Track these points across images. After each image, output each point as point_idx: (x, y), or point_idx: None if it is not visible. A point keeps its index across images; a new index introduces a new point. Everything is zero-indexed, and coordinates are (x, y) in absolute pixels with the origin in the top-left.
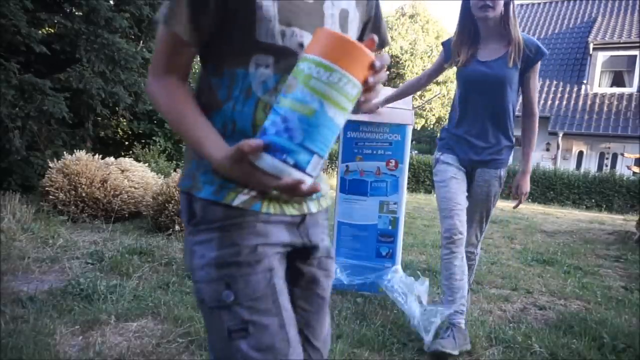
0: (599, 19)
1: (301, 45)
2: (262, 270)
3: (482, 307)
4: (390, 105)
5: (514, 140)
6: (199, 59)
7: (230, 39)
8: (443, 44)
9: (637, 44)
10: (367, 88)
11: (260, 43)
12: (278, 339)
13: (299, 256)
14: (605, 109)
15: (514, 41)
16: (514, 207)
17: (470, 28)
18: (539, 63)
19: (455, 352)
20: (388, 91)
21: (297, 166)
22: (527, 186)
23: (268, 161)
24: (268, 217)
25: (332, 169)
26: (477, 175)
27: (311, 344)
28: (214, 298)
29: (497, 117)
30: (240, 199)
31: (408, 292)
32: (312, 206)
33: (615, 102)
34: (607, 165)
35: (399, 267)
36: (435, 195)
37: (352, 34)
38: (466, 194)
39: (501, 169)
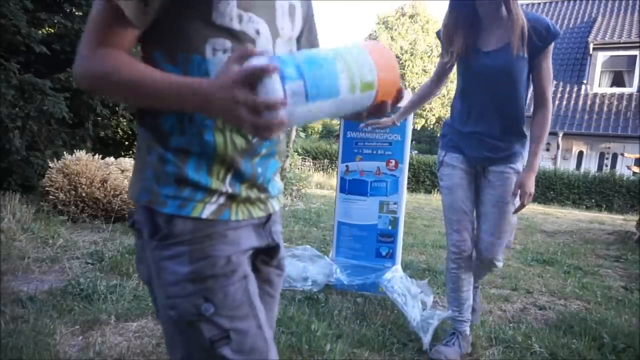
0: (599, 19)
1: (257, 32)
2: (238, 279)
3: (482, 307)
4: None
5: (526, 134)
6: (145, 44)
7: (184, 21)
8: (438, 33)
9: (637, 44)
10: (377, 109)
11: (216, 26)
12: (258, 339)
13: (261, 255)
14: (605, 109)
15: (516, 25)
16: (515, 212)
17: (467, 11)
18: (552, 46)
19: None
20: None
21: (279, 72)
22: (531, 186)
23: (256, 58)
24: (237, 223)
25: (332, 169)
26: (492, 175)
27: None
28: (193, 313)
29: (505, 112)
30: (208, 209)
31: (408, 293)
32: (275, 204)
33: (615, 102)
34: (607, 165)
35: (399, 267)
36: (440, 199)
37: (298, 29)
38: (473, 198)
39: (518, 162)
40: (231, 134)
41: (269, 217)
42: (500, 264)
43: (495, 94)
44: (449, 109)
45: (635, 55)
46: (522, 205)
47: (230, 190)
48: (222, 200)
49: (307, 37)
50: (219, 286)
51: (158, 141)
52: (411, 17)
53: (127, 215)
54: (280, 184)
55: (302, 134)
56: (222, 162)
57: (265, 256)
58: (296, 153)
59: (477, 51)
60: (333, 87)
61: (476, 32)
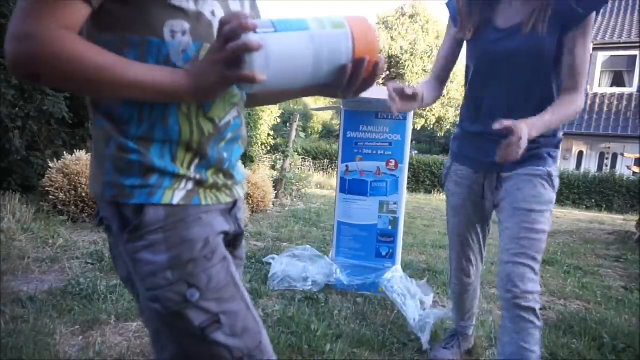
0: (599, 19)
1: (213, 13)
2: (219, 260)
3: (482, 307)
4: (385, 96)
5: (559, 133)
6: (91, 28)
7: (138, 2)
8: (448, 4)
9: (637, 44)
10: (355, 70)
11: (173, 6)
12: (249, 320)
13: (227, 246)
14: (605, 109)
15: None
16: (501, 156)
17: None
18: (593, 16)
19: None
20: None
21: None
22: (523, 132)
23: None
24: (207, 207)
25: (332, 169)
26: (508, 182)
27: None
28: (178, 301)
29: (528, 104)
30: (178, 195)
31: (407, 293)
32: (240, 190)
33: (615, 102)
34: (607, 165)
35: (399, 267)
36: (440, 199)
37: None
38: (482, 221)
39: (546, 165)
40: (197, 120)
41: (234, 204)
42: (532, 304)
43: (516, 82)
44: (450, 109)
45: (635, 55)
46: (509, 147)
47: (197, 177)
48: (190, 186)
49: None
50: (201, 269)
51: (117, 130)
52: (411, 17)
53: (94, 215)
54: (244, 171)
55: (302, 134)
56: (187, 149)
57: (230, 247)
58: (296, 153)
59: (493, 28)
60: (301, 23)
61: (494, 5)
